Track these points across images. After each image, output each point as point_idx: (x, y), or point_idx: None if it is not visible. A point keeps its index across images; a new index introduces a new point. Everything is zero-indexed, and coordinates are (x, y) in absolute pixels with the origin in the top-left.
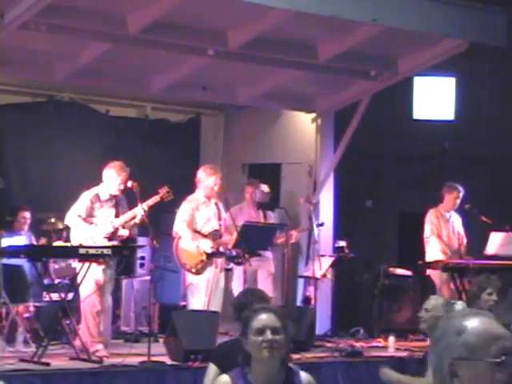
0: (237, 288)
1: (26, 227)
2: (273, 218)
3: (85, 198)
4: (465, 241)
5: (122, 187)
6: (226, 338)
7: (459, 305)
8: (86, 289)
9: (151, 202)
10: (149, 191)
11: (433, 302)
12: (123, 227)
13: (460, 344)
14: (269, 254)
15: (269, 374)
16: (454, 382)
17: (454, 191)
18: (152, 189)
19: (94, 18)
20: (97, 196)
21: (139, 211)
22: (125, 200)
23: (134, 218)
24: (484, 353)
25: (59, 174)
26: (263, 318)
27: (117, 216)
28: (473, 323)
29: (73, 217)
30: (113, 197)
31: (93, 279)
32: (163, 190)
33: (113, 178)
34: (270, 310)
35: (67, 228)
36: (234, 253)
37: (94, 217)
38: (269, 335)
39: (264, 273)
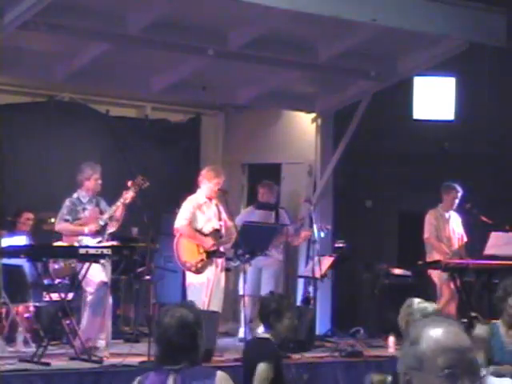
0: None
1: (29, 228)
2: (286, 217)
3: (67, 203)
4: (465, 240)
5: (100, 182)
6: (226, 338)
7: (430, 307)
8: (94, 285)
9: (131, 192)
10: (148, 191)
11: (404, 306)
12: (110, 221)
13: (412, 354)
14: (276, 253)
15: None
16: None
17: (452, 191)
18: (151, 189)
19: (93, 17)
20: (78, 199)
21: (128, 196)
22: (102, 199)
23: (117, 210)
24: (431, 365)
25: (59, 174)
26: None
27: (101, 214)
28: (428, 333)
29: (61, 223)
30: (92, 197)
31: (98, 275)
32: (138, 179)
33: (89, 177)
34: None
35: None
36: (230, 255)
37: (80, 219)
38: None
39: (267, 273)
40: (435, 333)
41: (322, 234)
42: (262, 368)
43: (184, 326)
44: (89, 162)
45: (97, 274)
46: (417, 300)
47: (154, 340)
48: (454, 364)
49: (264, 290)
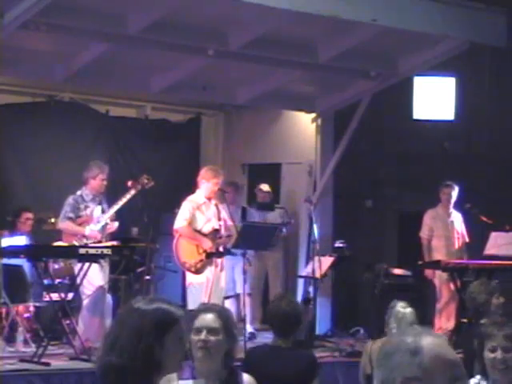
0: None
1: (29, 228)
2: (254, 218)
3: (70, 201)
4: (467, 239)
5: (105, 183)
6: None
7: (399, 306)
8: (90, 287)
9: (133, 191)
10: (148, 191)
11: (389, 307)
12: (111, 220)
13: (415, 364)
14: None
15: (208, 371)
16: None
17: (444, 189)
18: (151, 188)
19: (94, 17)
20: (81, 197)
21: (126, 198)
22: (104, 198)
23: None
24: (438, 377)
25: (59, 174)
26: (202, 318)
27: (102, 213)
28: (428, 345)
29: (65, 221)
30: (95, 196)
31: (95, 277)
32: (142, 179)
33: (95, 176)
34: (212, 310)
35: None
36: (232, 252)
37: (81, 217)
38: (203, 336)
39: (239, 270)
40: (437, 345)
41: (316, 232)
42: None
43: None
44: (97, 161)
45: (94, 277)
46: (400, 304)
47: None
48: (458, 378)
49: (239, 288)
